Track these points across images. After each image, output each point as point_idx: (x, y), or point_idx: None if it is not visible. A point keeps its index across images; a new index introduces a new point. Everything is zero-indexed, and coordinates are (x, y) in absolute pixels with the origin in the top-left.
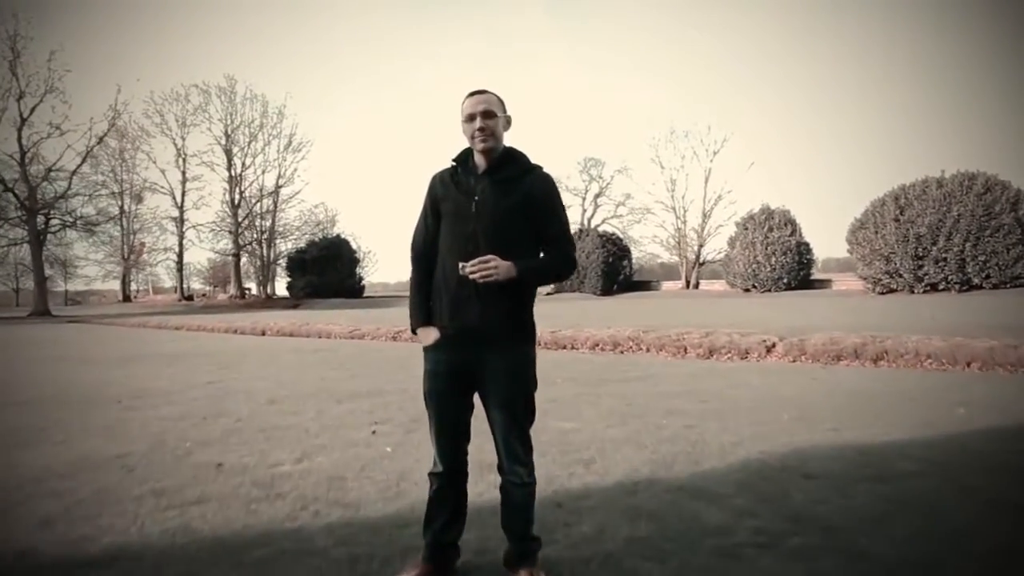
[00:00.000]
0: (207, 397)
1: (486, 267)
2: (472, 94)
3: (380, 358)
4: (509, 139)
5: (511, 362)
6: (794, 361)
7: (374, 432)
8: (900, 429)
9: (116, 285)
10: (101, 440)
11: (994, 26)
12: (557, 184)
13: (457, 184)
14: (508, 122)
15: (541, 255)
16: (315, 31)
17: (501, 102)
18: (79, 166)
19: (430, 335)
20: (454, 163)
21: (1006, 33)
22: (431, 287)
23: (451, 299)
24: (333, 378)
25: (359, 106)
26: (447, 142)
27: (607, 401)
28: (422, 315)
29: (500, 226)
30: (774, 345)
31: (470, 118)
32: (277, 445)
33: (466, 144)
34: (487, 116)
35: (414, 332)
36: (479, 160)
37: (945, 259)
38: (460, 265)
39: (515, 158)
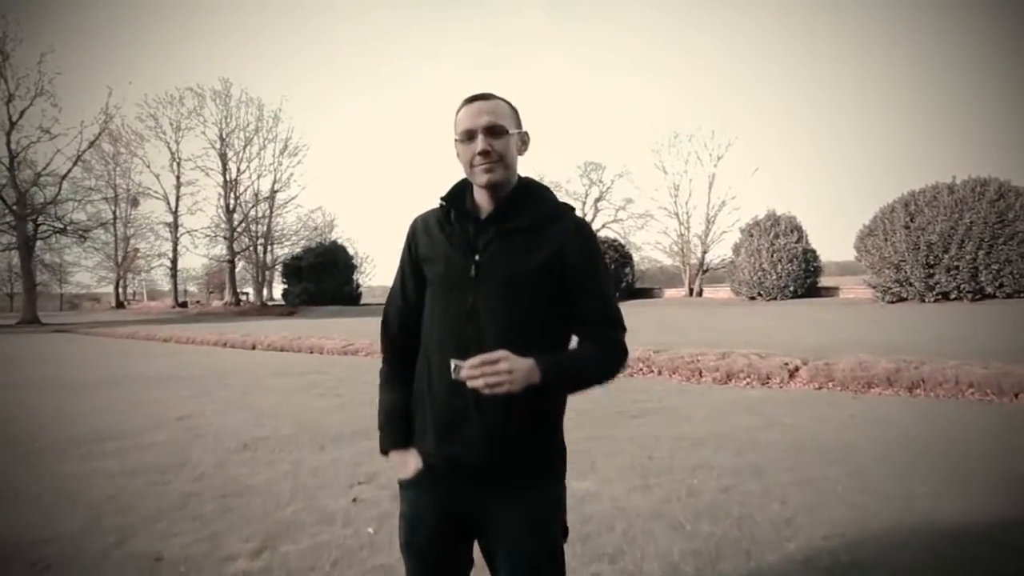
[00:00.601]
0: (173, 441)
1: (494, 370)
2: (471, 100)
3: (373, 381)
4: (524, 165)
5: (531, 510)
6: (820, 388)
7: (355, 500)
8: (988, 493)
9: (112, 289)
10: (19, 516)
11: (998, 27)
12: (590, 231)
13: (449, 236)
14: (525, 142)
15: (574, 343)
16: (312, 32)
17: (514, 112)
18: (69, 170)
19: (407, 464)
20: (443, 203)
21: (1009, 34)
22: (410, 389)
23: (439, 414)
24: (319, 410)
25: (357, 107)
26: (447, 145)
27: (625, 449)
28: (396, 433)
29: (514, 301)
30: (797, 369)
31: (468, 136)
32: (237, 522)
33: (461, 174)
34: (493, 133)
35: (384, 454)
36: (481, 199)
37: (957, 267)
38: (453, 365)
39: (536, 197)
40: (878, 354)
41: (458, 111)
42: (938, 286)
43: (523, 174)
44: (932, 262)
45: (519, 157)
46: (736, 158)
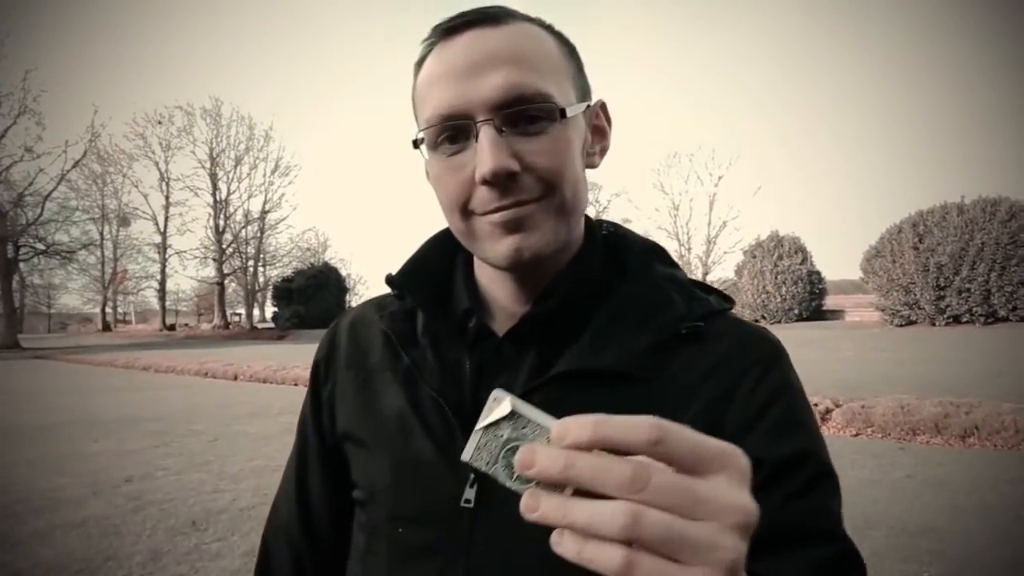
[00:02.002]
0: (105, 517)
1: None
2: (452, 30)
3: None
4: None
5: None
6: (857, 435)
7: None
8: None
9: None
10: None
11: (1004, 45)
12: (789, 363)
13: (412, 386)
14: (603, 131)
15: None
16: (305, 48)
17: (566, 54)
18: (52, 190)
19: None
20: (396, 296)
21: (1015, 52)
22: None
23: None
24: None
25: (350, 125)
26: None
27: None
28: None
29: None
30: (829, 411)
31: (445, 131)
32: None
33: (436, 223)
34: (516, 121)
35: None
36: (500, 291)
37: (969, 290)
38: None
39: (641, 278)
40: (910, 388)
41: (420, 60)
42: (949, 309)
43: None
44: (943, 284)
45: (590, 171)
46: (738, 177)
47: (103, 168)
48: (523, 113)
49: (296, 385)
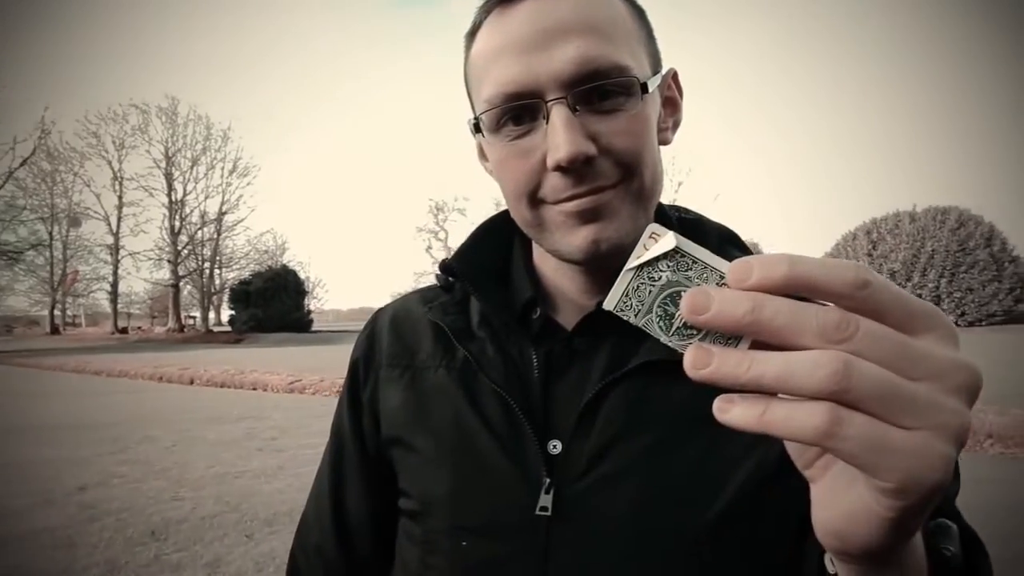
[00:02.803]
0: (60, 527)
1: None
2: None
3: (320, 430)
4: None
5: None
6: None
7: None
8: None
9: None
10: None
11: (951, 55)
12: None
13: (471, 383)
14: (675, 104)
15: None
16: (263, 48)
17: (638, 19)
18: None
19: None
20: (451, 281)
21: (962, 64)
22: None
23: None
24: (253, 474)
25: (311, 126)
26: (407, 163)
27: None
28: None
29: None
30: None
31: (512, 111)
32: None
33: (492, 206)
34: (592, 98)
35: None
36: (570, 285)
37: (920, 296)
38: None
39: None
40: None
41: (473, 30)
42: None
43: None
44: None
45: (662, 148)
46: (698, 184)
47: (53, 166)
48: (599, 89)
49: (255, 389)
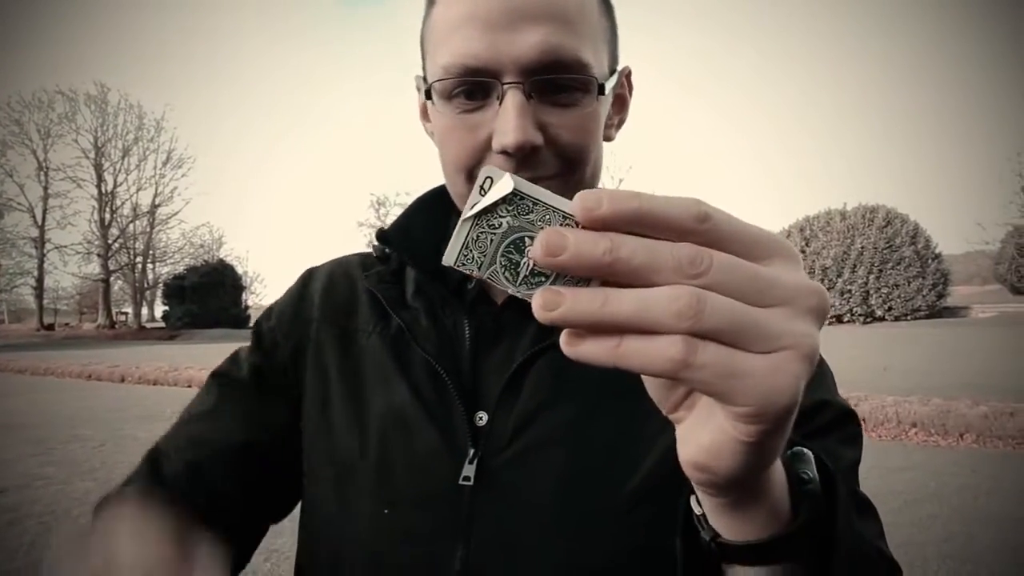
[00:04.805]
0: None
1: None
2: None
3: None
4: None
5: None
6: None
7: None
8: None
9: None
10: None
11: (885, 53)
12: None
13: (400, 349)
14: (624, 100)
15: None
16: (199, 35)
17: (607, 11)
18: None
19: None
20: (378, 258)
21: (893, 62)
22: None
23: None
24: None
25: (249, 117)
26: (348, 155)
27: None
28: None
29: (587, 547)
30: None
31: (465, 83)
32: None
33: (432, 180)
34: (554, 88)
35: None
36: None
37: (850, 291)
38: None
39: None
40: None
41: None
42: (832, 309)
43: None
44: (827, 286)
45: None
46: (636, 182)
47: None
48: (556, 81)
49: (190, 387)
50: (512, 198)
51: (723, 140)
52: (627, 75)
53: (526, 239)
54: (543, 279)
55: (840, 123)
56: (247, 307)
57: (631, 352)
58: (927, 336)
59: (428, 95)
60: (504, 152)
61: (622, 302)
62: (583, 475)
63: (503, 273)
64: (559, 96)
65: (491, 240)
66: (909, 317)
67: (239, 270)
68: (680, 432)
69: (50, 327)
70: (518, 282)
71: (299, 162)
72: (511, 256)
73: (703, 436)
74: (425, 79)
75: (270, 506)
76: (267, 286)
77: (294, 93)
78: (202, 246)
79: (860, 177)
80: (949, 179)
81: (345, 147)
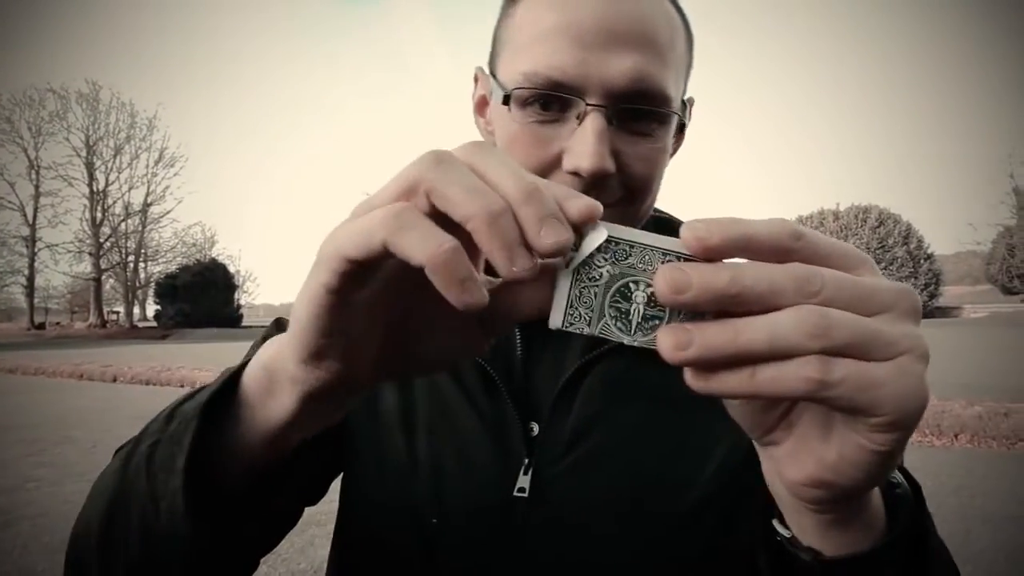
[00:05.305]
0: None
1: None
2: None
3: None
4: None
5: None
6: None
7: None
8: None
9: None
10: None
11: (876, 54)
12: None
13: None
14: (682, 130)
15: None
16: (193, 33)
17: (690, 46)
18: None
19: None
20: None
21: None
22: None
23: None
24: None
25: (242, 116)
26: (341, 153)
27: None
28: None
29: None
30: None
31: (546, 102)
32: None
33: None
34: (639, 118)
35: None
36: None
37: None
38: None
39: None
40: None
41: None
42: None
43: None
44: None
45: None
46: None
47: None
48: (638, 111)
49: (183, 387)
50: (607, 246)
51: (723, 140)
52: (690, 103)
53: (630, 285)
54: (656, 322)
55: (836, 124)
56: (239, 306)
57: (768, 380)
58: None
59: (506, 100)
60: (576, 174)
61: (755, 331)
62: (639, 485)
63: (615, 325)
64: (638, 125)
65: (595, 293)
66: None
67: (231, 269)
68: (780, 454)
69: (41, 326)
70: (632, 331)
71: (296, 161)
72: (619, 305)
73: (827, 453)
74: (494, 75)
75: (306, 488)
76: (260, 285)
77: (292, 93)
78: (194, 245)
79: (854, 177)
80: (941, 180)
81: (342, 146)
